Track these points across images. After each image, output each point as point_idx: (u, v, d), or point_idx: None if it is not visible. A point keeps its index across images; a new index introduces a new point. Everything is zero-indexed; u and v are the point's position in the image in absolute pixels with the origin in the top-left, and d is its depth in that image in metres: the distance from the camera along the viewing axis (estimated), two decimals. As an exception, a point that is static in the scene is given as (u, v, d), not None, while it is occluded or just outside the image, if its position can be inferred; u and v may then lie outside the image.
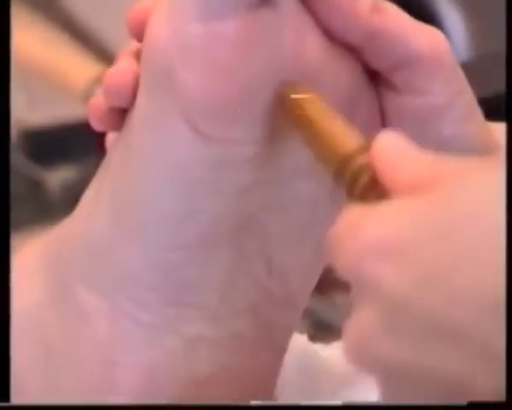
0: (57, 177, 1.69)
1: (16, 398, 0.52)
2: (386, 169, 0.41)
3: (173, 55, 0.46)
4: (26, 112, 1.81)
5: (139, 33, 0.47)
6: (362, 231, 0.39)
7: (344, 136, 0.44)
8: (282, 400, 0.54)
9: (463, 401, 0.37)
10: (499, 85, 0.85)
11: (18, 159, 1.81)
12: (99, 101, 0.49)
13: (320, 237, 0.48)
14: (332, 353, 0.58)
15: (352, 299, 0.40)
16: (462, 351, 0.37)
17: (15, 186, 1.77)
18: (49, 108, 1.77)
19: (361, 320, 0.39)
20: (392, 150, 0.40)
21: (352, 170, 0.42)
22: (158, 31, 0.46)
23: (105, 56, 1.23)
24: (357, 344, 0.39)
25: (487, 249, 0.37)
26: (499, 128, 0.54)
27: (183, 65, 0.46)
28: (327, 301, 0.91)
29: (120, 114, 0.49)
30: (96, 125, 0.49)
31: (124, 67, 0.48)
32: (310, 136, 0.45)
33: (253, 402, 0.51)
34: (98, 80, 1.20)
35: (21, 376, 0.51)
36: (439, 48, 0.48)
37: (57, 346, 0.51)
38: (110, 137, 0.50)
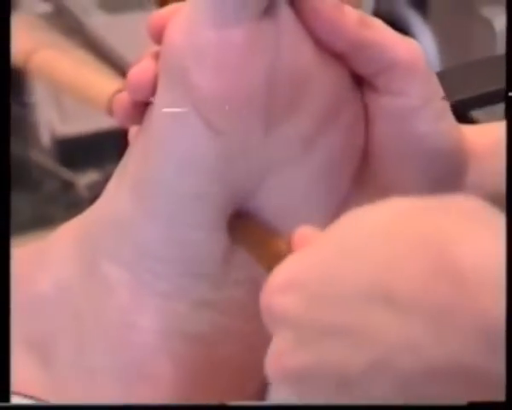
0: (85, 179, 1.69)
1: (53, 361, 0.52)
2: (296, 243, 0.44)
3: (188, 57, 0.46)
4: (58, 124, 1.81)
5: (158, 37, 0.47)
6: (272, 278, 0.42)
7: (275, 243, 0.47)
8: None
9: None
10: (463, 95, 0.86)
11: (51, 164, 1.81)
12: (123, 97, 0.48)
13: (311, 215, 0.48)
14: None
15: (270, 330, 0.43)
16: (342, 345, 0.39)
17: (49, 187, 1.78)
18: (78, 120, 1.77)
19: (276, 344, 0.42)
20: (303, 230, 0.44)
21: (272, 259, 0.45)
22: (175, 36, 0.46)
23: (124, 74, 1.23)
24: (274, 363, 0.42)
25: (356, 262, 0.40)
26: (500, 126, 0.54)
27: (196, 66, 0.46)
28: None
29: (141, 109, 0.48)
30: (121, 120, 0.49)
31: (144, 66, 0.48)
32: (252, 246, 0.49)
33: (254, 402, 0.51)
34: (118, 95, 1.20)
35: (56, 340, 0.52)
36: (415, 56, 0.48)
37: (85, 312, 0.51)
38: (132, 131, 0.50)
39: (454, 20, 1.41)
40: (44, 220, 1.53)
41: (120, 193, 0.50)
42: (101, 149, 1.57)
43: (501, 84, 0.78)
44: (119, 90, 1.45)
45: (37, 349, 0.52)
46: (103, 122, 1.57)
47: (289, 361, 0.41)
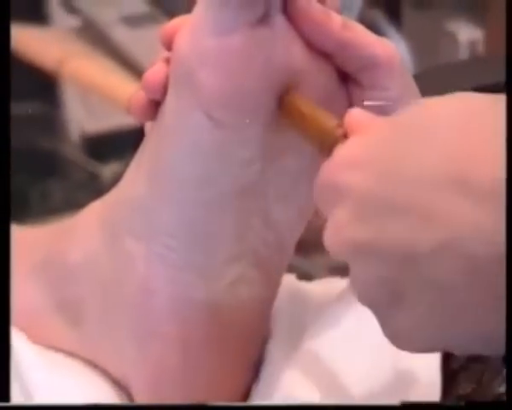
0: (109, 170, 1.68)
1: (82, 321, 0.52)
2: (353, 125, 0.42)
3: (193, 60, 0.45)
4: (85, 121, 1.81)
5: (169, 44, 0.47)
6: (337, 154, 0.40)
7: (325, 118, 0.44)
8: (276, 322, 0.54)
9: None
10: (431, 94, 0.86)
11: (79, 156, 1.80)
12: (140, 95, 0.48)
13: (303, 199, 0.48)
14: (312, 286, 0.58)
15: (328, 209, 0.40)
16: (409, 223, 0.36)
17: (78, 176, 1.77)
18: (103, 119, 1.77)
19: (336, 218, 0.39)
20: (357, 114, 0.42)
21: (333, 137, 0.43)
22: (182, 43, 0.46)
23: (141, 78, 1.23)
24: (334, 234, 0.39)
25: (427, 146, 0.37)
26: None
27: (200, 68, 0.45)
28: (308, 260, 0.90)
29: (155, 106, 0.48)
30: (138, 116, 0.49)
31: (157, 68, 0.47)
32: (301, 121, 0.46)
33: (253, 402, 0.49)
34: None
35: (84, 304, 0.51)
36: (392, 55, 0.47)
37: (109, 280, 0.50)
38: (148, 126, 0.50)
39: (424, 32, 1.41)
40: (74, 205, 1.53)
41: (138, 178, 0.50)
42: (123, 144, 1.57)
43: (464, 84, 0.79)
44: (131, 107, 1.45)
45: (68, 312, 0.52)
46: (124, 120, 1.57)
47: (349, 233, 0.38)
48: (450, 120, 0.37)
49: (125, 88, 1.23)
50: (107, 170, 1.69)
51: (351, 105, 0.48)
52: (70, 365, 0.52)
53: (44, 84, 1.72)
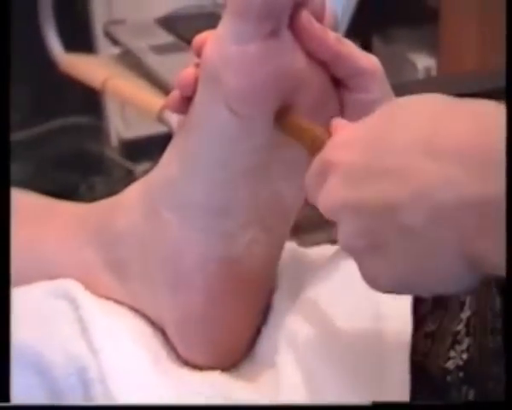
0: (141, 168, 1.68)
1: (127, 277, 0.51)
2: (337, 127, 0.42)
3: (218, 64, 0.45)
4: (122, 128, 1.80)
5: (199, 52, 0.46)
6: (330, 140, 0.40)
7: (316, 128, 0.45)
8: (281, 277, 0.53)
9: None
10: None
11: (118, 158, 1.80)
12: (175, 93, 0.48)
13: (303, 177, 0.47)
14: (309, 251, 0.57)
15: (321, 181, 0.40)
16: (387, 182, 0.36)
17: (117, 173, 1.77)
18: (137, 127, 1.76)
19: (329, 185, 0.39)
20: (340, 120, 0.43)
21: (322, 139, 0.43)
22: (210, 50, 0.45)
23: (169, 93, 1.22)
24: (327, 197, 0.39)
25: (400, 125, 0.37)
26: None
27: (224, 71, 0.45)
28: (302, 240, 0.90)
29: (187, 102, 0.48)
30: (172, 109, 0.48)
31: (189, 70, 0.47)
32: (297, 132, 0.46)
33: (254, 402, 0.47)
34: (164, 108, 1.19)
35: (129, 262, 0.51)
36: (375, 65, 0.47)
37: (148, 243, 0.50)
38: (179, 119, 0.50)
39: (391, 61, 1.40)
40: (114, 196, 1.52)
41: (172, 160, 0.49)
42: (152, 147, 1.57)
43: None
44: (165, 106, 1.42)
45: (116, 269, 0.51)
46: (153, 128, 1.56)
47: (339, 195, 0.38)
48: (418, 106, 0.38)
49: (154, 102, 1.22)
50: (139, 168, 1.69)
51: (341, 104, 0.48)
52: (119, 310, 0.51)
53: (91, 101, 1.71)
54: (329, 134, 0.43)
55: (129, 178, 1.67)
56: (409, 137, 0.36)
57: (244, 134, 0.46)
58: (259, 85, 0.45)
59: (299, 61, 0.46)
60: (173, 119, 1.17)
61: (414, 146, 0.35)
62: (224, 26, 0.45)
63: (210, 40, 0.46)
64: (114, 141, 1.83)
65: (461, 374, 0.44)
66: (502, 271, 0.33)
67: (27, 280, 0.51)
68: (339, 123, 0.43)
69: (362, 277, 0.39)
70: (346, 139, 0.40)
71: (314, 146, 0.43)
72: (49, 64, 1.38)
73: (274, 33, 0.45)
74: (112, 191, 0.55)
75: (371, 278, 0.38)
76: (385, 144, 0.37)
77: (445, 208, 0.34)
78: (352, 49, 0.47)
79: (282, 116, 0.47)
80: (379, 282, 0.38)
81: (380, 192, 0.36)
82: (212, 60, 0.45)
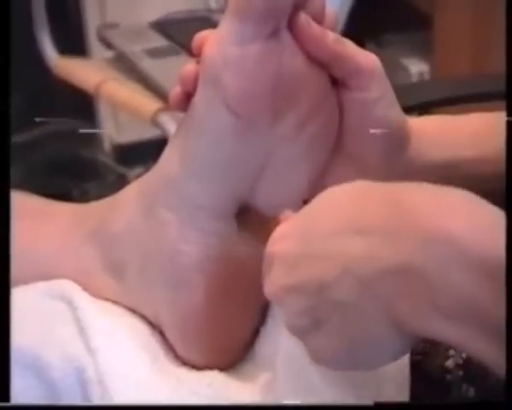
0: (134, 173, 1.68)
1: (125, 277, 0.51)
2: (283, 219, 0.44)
3: (218, 65, 0.45)
4: (114, 132, 1.80)
5: (199, 51, 0.47)
6: (272, 235, 0.43)
7: (270, 224, 0.46)
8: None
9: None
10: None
11: (111, 162, 1.80)
12: (176, 89, 0.48)
13: (297, 177, 0.48)
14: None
15: (267, 272, 0.43)
16: (320, 264, 0.39)
17: (109, 178, 1.76)
18: (129, 132, 1.76)
19: (272, 275, 0.42)
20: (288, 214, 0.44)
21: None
22: (209, 50, 0.46)
23: (162, 98, 1.22)
24: (271, 286, 0.42)
25: (328, 213, 0.40)
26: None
27: (224, 71, 0.45)
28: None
29: (187, 99, 0.48)
30: (174, 106, 0.48)
31: (190, 66, 0.47)
32: (256, 229, 0.49)
33: (254, 403, 0.48)
34: (158, 112, 1.19)
35: (127, 263, 0.51)
36: (374, 63, 0.47)
37: (146, 242, 0.50)
38: (180, 117, 0.50)
39: (384, 66, 1.40)
40: (106, 200, 1.52)
41: (171, 159, 0.49)
42: (144, 152, 1.57)
43: (412, 101, 0.78)
44: (159, 110, 1.41)
45: (114, 270, 0.51)
46: (146, 133, 1.57)
47: (280, 282, 0.41)
48: (340, 194, 0.40)
49: (147, 106, 1.22)
50: (132, 173, 1.69)
51: (340, 104, 0.48)
52: (116, 310, 0.51)
53: (84, 106, 1.71)
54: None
55: (122, 182, 1.66)
56: (333, 222, 0.39)
57: (243, 134, 0.46)
58: (259, 86, 0.45)
59: (298, 62, 0.46)
60: (167, 122, 1.17)
61: (338, 229, 0.39)
62: (224, 27, 0.45)
63: (210, 40, 0.46)
64: (107, 146, 1.82)
65: (461, 373, 0.44)
66: (423, 332, 0.35)
67: (24, 281, 0.51)
68: (285, 216, 0.44)
69: (310, 356, 0.41)
70: (284, 232, 0.42)
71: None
72: (42, 68, 1.38)
73: (274, 34, 0.45)
74: (105, 196, 0.55)
75: (317, 355, 0.41)
76: (314, 232, 0.40)
77: (368, 280, 0.36)
78: (350, 48, 0.47)
79: (242, 215, 0.48)
80: (324, 358, 0.41)
81: (314, 274, 0.39)
82: (213, 60, 0.45)
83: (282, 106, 0.47)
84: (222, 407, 0.47)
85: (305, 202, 0.44)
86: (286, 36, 0.46)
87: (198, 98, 0.47)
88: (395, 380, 0.44)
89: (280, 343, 0.49)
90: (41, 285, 0.51)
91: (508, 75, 0.31)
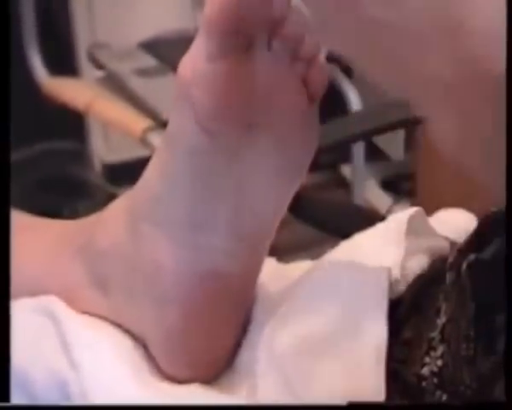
0: (124, 191, 1.68)
1: (111, 293, 0.51)
2: None
3: (190, 81, 0.45)
4: (104, 152, 1.81)
5: None
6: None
7: None
8: (260, 291, 0.54)
9: None
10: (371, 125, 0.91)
11: (101, 181, 1.80)
12: None
13: (277, 195, 0.48)
14: (290, 266, 0.59)
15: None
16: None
17: (99, 197, 1.77)
18: (119, 151, 1.77)
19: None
20: None
21: None
22: (182, 68, 0.46)
23: (153, 116, 1.23)
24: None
25: None
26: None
27: (195, 87, 0.45)
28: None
29: None
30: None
31: None
32: None
33: (255, 403, 0.48)
34: (147, 131, 1.20)
35: (112, 278, 0.51)
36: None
37: (131, 258, 0.50)
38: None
39: (370, 86, 1.43)
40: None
41: (152, 176, 0.50)
42: (134, 171, 1.58)
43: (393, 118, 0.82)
44: (148, 128, 1.43)
45: (100, 286, 0.52)
46: (137, 152, 1.57)
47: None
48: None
49: (137, 124, 1.23)
50: (122, 192, 1.69)
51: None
52: (100, 324, 0.51)
53: (74, 126, 1.72)
54: None
55: (112, 201, 1.67)
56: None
57: (216, 151, 0.47)
58: (228, 102, 0.45)
59: (269, 77, 0.46)
60: (156, 141, 1.18)
61: None
62: (196, 43, 0.45)
63: (184, 57, 0.46)
64: (97, 165, 1.83)
65: (435, 380, 0.45)
66: None
67: (11, 296, 0.51)
68: None
69: None
70: None
71: None
72: (32, 88, 1.39)
73: (244, 50, 0.45)
74: (94, 214, 0.56)
75: None
76: None
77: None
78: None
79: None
80: None
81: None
82: (184, 77, 0.45)
83: (257, 122, 0.47)
84: (221, 406, 0.47)
85: None
86: (258, 51, 0.45)
87: (172, 117, 0.48)
88: (371, 387, 0.45)
89: (259, 349, 0.49)
90: (27, 301, 0.51)
91: (508, 75, 0.31)
